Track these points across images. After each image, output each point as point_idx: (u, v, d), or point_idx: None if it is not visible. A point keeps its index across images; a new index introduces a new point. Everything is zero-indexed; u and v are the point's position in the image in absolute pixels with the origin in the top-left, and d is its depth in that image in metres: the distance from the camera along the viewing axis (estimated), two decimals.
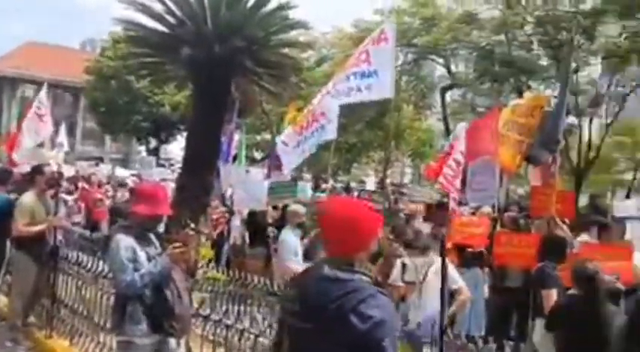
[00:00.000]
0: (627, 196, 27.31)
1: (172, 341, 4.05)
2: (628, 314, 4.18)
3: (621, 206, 10.14)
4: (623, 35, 20.12)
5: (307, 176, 26.46)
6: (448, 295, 5.67)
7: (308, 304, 2.39)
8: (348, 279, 2.37)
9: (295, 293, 2.51)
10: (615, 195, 31.76)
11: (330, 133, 10.32)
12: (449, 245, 6.54)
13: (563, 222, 8.31)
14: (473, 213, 9.46)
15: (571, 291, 4.91)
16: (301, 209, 8.18)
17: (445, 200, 8.49)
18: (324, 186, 13.63)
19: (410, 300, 5.93)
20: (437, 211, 7.79)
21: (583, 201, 25.21)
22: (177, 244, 4.00)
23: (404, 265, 6.07)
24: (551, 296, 5.27)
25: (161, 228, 5.22)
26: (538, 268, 5.73)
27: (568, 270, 5.29)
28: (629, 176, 27.15)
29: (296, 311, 2.44)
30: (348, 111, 15.05)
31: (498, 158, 8.90)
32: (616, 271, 5.64)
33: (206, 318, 4.90)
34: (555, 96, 7.88)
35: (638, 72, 22.41)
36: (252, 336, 4.48)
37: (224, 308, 5.22)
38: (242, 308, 5.61)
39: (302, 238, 7.67)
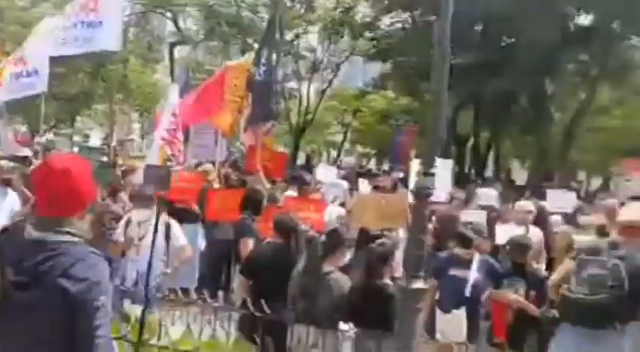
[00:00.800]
0: (337, 155, 30.52)
1: None
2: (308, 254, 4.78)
3: (321, 171, 11.37)
4: (338, 9, 22.16)
5: (22, 128, 24.05)
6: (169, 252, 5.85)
7: (12, 269, 2.23)
8: (56, 241, 2.27)
9: None
10: (330, 154, 35.23)
11: (41, 84, 9.59)
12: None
13: (273, 181, 9.05)
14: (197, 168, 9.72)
15: (267, 240, 5.42)
16: (7, 164, 7.53)
17: (170, 163, 8.62)
18: (36, 139, 12.56)
19: (128, 256, 5.96)
20: (158, 172, 7.87)
21: (302, 158, 27.48)
22: None
23: (128, 221, 6.05)
24: (248, 244, 5.77)
25: None
26: (239, 219, 6.21)
27: (266, 222, 5.86)
28: (339, 137, 30.24)
29: None
30: (68, 59, 14.05)
31: (219, 117, 9.25)
32: (310, 221, 6.43)
33: None
34: (264, 64, 8.42)
35: (350, 44, 24.90)
36: None
37: None
38: None
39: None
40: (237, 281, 5.34)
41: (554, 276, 4.54)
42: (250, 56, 9.84)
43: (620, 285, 3.82)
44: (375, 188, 9.12)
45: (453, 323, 4.73)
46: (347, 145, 32.10)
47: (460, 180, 19.69)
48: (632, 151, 20.83)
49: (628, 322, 4.00)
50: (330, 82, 25.75)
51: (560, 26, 20.06)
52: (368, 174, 11.60)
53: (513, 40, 20.92)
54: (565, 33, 20.32)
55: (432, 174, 3.88)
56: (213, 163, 9.52)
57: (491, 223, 7.48)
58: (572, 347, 3.88)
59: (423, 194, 3.89)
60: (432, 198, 8.72)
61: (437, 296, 5.12)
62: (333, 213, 8.09)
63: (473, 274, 4.96)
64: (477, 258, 5.08)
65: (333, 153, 32.80)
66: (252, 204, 6.25)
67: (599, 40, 19.94)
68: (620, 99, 23.23)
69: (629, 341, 4.01)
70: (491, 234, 6.96)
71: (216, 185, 8.75)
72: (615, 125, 22.97)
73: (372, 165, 31.33)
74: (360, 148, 34.32)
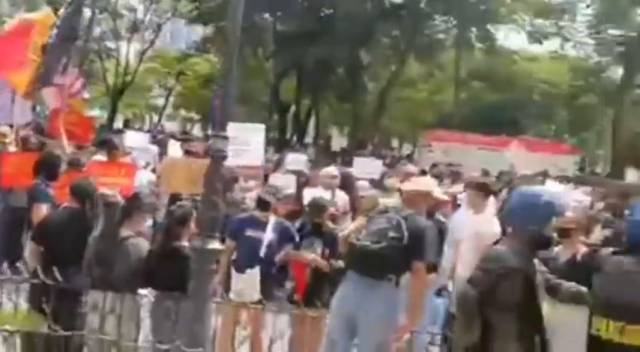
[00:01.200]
0: (159, 120, 29.59)
1: None
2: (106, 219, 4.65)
3: (130, 136, 11.14)
4: None
5: None
6: None
7: None
8: None
9: None
10: (152, 119, 34.08)
11: None
12: None
13: (80, 146, 8.60)
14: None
15: (63, 205, 5.18)
16: None
17: None
18: None
19: None
20: None
21: (120, 122, 26.28)
22: None
23: None
24: (40, 210, 5.50)
25: None
26: (32, 185, 5.89)
27: (63, 187, 5.57)
28: (162, 101, 29.35)
29: None
30: None
31: (17, 76, 8.50)
32: (119, 186, 6.24)
33: None
34: (58, 26, 7.86)
35: (172, 4, 24.10)
36: None
37: None
38: None
39: None
40: (28, 249, 5.04)
41: (345, 230, 4.86)
42: (59, 13, 9.11)
43: (400, 238, 4.21)
44: (187, 153, 9.06)
45: (248, 283, 4.93)
46: (170, 110, 31.23)
47: (282, 145, 20.24)
48: (435, 123, 22.89)
49: (403, 274, 4.44)
50: (152, 43, 24.81)
51: (376, 1, 21.19)
52: (181, 139, 11.53)
53: (332, 11, 21.68)
54: (380, 8, 21.51)
55: (226, 137, 3.97)
56: (12, 125, 8.81)
57: (300, 187, 7.84)
58: (352, 292, 4.21)
59: (217, 156, 3.96)
60: (247, 163, 8.92)
61: (234, 257, 5.28)
62: (143, 178, 7.94)
63: (268, 235, 5.18)
64: (272, 220, 5.31)
65: (155, 118, 31.74)
66: (46, 168, 5.92)
67: (409, 17, 21.39)
68: (427, 74, 25.23)
69: (404, 292, 4.46)
70: (299, 198, 7.30)
71: (12, 148, 8.12)
72: (421, 98, 24.94)
73: (196, 130, 30.88)
74: (183, 112, 33.62)
